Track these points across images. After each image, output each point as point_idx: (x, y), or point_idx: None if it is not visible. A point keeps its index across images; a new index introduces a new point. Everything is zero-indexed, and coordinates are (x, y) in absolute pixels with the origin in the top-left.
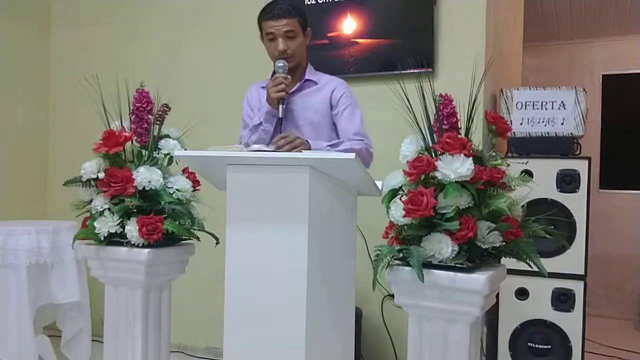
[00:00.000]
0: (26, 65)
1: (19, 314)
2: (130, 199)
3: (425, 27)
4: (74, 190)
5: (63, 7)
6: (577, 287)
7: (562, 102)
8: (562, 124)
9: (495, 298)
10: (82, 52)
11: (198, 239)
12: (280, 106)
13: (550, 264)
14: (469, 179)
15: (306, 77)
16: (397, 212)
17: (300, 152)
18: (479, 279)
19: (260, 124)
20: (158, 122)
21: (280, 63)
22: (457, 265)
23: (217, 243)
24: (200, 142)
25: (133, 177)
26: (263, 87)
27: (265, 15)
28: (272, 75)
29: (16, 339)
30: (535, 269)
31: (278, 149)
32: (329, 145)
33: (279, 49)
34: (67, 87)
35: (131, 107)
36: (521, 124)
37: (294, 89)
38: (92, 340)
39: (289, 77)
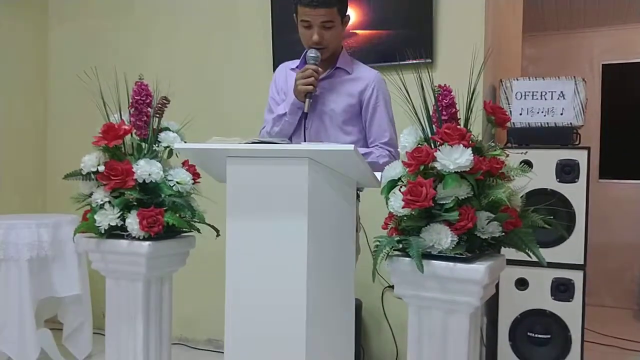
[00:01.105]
0: (25, 58)
1: (21, 307)
2: (131, 192)
3: (425, 18)
4: (74, 184)
5: (62, 0)
6: (576, 276)
7: (562, 92)
8: (562, 114)
9: (495, 288)
10: (81, 45)
11: (199, 231)
12: (307, 100)
13: (549, 254)
14: (468, 169)
15: (337, 65)
16: (397, 203)
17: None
18: (478, 269)
19: (285, 114)
20: (157, 115)
21: (312, 53)
22: (457, 256)
23: (218, 235)
24: (200, 134)
25: (133, 170)
26: (292, 69)
27: (302, 0)
28: (303, 58)
29: (18, 332)
30: (534, 259)
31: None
32: None
33: (313, 40)
34: (66, 80)
35: (130, 100)
36: (520, 114)
37: (323, 75)
38: (94, 333)
39: (320, 69)
